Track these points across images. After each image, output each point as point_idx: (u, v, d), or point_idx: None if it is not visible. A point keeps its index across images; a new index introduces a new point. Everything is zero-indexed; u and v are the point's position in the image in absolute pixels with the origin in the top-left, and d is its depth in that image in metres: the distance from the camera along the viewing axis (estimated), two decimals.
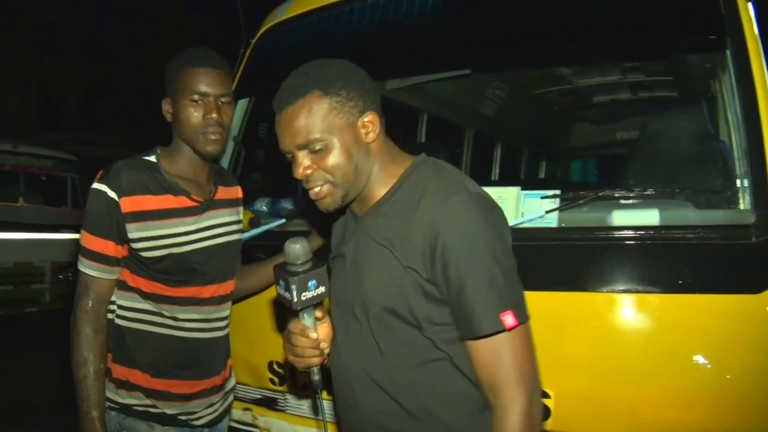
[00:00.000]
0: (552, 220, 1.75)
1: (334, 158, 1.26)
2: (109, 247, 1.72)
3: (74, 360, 1.69)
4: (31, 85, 17.36)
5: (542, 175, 5.40)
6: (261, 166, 3.14)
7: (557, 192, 1.79)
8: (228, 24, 2.93)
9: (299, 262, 1.29)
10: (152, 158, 1.81)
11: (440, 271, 1.19)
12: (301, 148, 1.27)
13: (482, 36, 2.21)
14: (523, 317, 1.19)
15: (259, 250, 2.20)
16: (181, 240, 1.76)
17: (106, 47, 18.73)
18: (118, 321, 1.78)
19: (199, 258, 1.80)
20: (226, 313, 1.93)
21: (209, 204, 1.86)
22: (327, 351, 1.41)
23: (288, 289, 1.28)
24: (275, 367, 2.12)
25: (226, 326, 1.94)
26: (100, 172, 1.76)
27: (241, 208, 2.04)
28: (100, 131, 18.68)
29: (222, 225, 1.89)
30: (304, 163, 1.27)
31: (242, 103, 2.77)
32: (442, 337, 1.24)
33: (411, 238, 1.22)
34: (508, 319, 1.16)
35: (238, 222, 1.99)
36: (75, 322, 1.70)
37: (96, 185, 1.73)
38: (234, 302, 2.05)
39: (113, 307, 1.78)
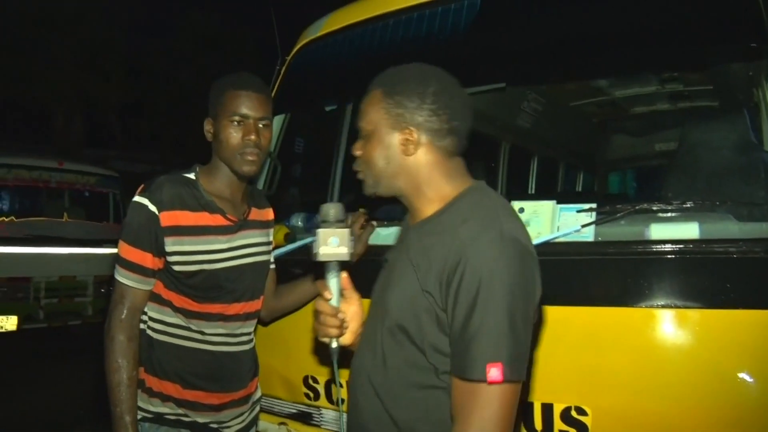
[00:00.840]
0: (588, 234, 1.72)
1: (370, 151, 1.35)
2: (147, 259, 1.76)
3: (108, 366, 1.72)
4: (76, 104, 17.93)
5: (579, 188, 5.33)
6: (297, 181, 3.18)
7: (593, 205, 1.76)
8: (263, 40, 2.97)
9: (328, 219, 1.36)
10: (191, 175, 1.86)
11: (451, 303, 1.17)
12: (359, 128, 1.39)
13: (517, 49, 2.20)
14: (511, 376, 1.11)
15: (294, 265, 2.22)
16: (214, 257, 1.81)
17: (147, 66, 19.28)
18: (149, 332, 1.83)
19: (229, 276, 1.84)
20: (251, 329, 1.97)
21: (242, 224, 1.90)
22: (347, 326, 1.41)
23: (343, 242, 1.34)
24: (311, 381, 2.14)
25: (251, 341, 1.98)
26: (142, 185, 1.81)
27: (272, 230, 2.09)
28: (141, 148, 19.20)
29: (253, 245, 1.93)
30: (357, 144, 1.39)
31: (278, 119, 2.82)
32: (444, 367, 1.22)
33: (435, 263, 1.22)
34: (494, 372, 1.10)
35: (268, 243, 2.03)
36: (109, 330, 1.75)
37: (137, 198, 1.78)
38: (272, 320, 2.10)
39: (145, 317, 1.83)
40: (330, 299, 1.38)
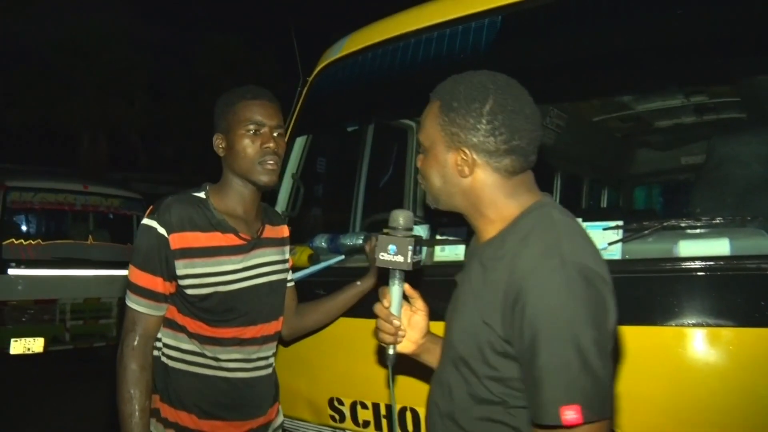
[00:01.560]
0: (615, 252, 1.71)
1: (426, 166, 1.32)
2: (158, 284, 1.72)
3: (120, 396, 1.68)
4: (100, 128, 18.32)
5: (605, 204, 5.28)
6: (320, 202, 3.20)
7: (620, 223, 1.75)
8: (283, 62, 3.02)
9: (396, 226, 1.35)
10: (201, 194, 1.82)
11: (517, 341, 1.11)
12: (418, 142, 1.36)
13: (539, 65, 2.21)
14: (591, 416, 1.03)
15: (318, 287, 2.23)
16: (227, 279, 1.76)
17: (169, 89, 19.69)
18: (164, 359, 1.79)
19: (244, 297, 1.79)
20: (269, 353, 1.91)
21: (256, 242, 1.85)
22: (403, 335, 1.39)
23: (402, 251, 1.31)
24: (336, 404, 2.13)
25: (269, 366, 1.92)
26: (150, 207, 1.78)
27: (287, 248, 2.02)
28: (163, 170, 19.50)
29: (268, 264, 1.88)
30: (419, 156, 1.35)
31: (300, 140, 2.85)
32: (514, 402, 1.17)
33: (495, 295, 1.16)
34: (570, 414, 1.03)
35: (284, 261, 1.97)
36: (121, 358, 1.70)
37: (146, 221, 1.75)
38: (294, 339, 2.08)
39: (159, 344, 1.79)
40: (388, 306, 1.37)
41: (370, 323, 1.58)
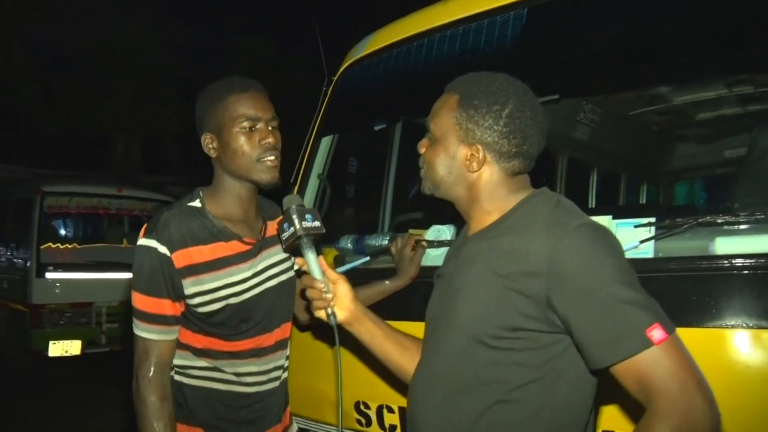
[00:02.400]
0: (648, 251, 1.66)
1: (432, 154, 1.38)
2: (166, 306, 1.63)
3: (142, 431, 1.61)
4: (134, 132, 18.71)
5: (642, 200, 5.16)
6: (346, 202, 3.20)
7: (652, 220, 1.70)
8: (315, 63, 3.02)
9: (296, 203, 1.50)
10: (196, 203, 1.72)
11: (564, 303, 1.18)
12: (427, 126, 1.40)
13: (572, 58, 2.16)
14: (670, 329, 1.14)
15: None
16: (238, 289, 1.69)
17: None
18: (177, 377, 1.73)
19: (258, 304, 1.73)
20: (283, 359, 1.86)
21: (262, 244, 1.78)
22: (330, 297, 1.47)
23: (291, 222, 1.47)
24: (362, 407, 2.13)
25: (284, 372, 1.88)
26: (145, 226, 1.69)
27: None
28: (196, 173, 19.79)
29: (276, 264, 1.81)
30: (423, 141, 1.42)
31: (326, 140, 2.85)
32: (521, 380, 1.23)
33: (524, 263, 1.21)
34: (656, 333, 1.12)
35: (289, 257, 1.86)
36: (139, 391, 1.62)
37: (144, 241, 1.64)
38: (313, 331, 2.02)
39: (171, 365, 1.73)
40: (314, 274, 1.47)
41: (399, 326, 1.58)
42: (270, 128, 1.72)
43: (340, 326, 1.49)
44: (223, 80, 1.76)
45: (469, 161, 1.33)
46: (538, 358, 1.23)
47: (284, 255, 1.84)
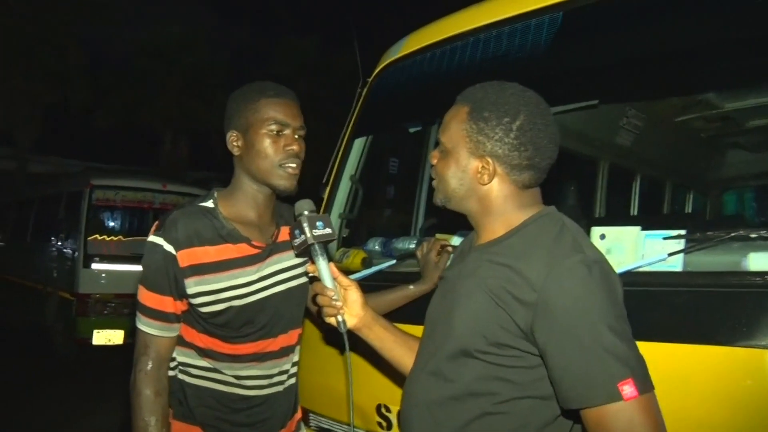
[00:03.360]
0: (676, 264, 1.61)
1: (443, 167, 1.37)
2: (167, 304, 1.66)
3: (135, 425, 1.62)
4: (181, 129, 19.14)
5: (689, 209, 5.01)
6: (379, 204, 3.21)
7: (682, 232, 1.65)
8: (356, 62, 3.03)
9: (308, 210, 1.52)
10: (209, 203, 1.74)
11: (545, 335, 1.16)
12: (438, 138, 1.40)
13: (614, 62, 2.11)
14: (645, 387, 1.11)
15: (370, 290, 2.22)
16: (242, 291, 1.69)
17: None
18: (180, 376, 1.75)
19: (262, 308, 1.73)
20: (289, 365, 1.85)
21: (272, 248, 1.77)
22: (340, 305, 1.48)
23: (301, 229, 1.48)
24: (383, 410, 2.12)
25: (290, 378, 1.86)
26: (156, 223, 1.71)
27: None
28: None
29: (286, 270, 1.80)
30: (435, 152, 1.41)
31: (359, 141, 2.86)
32: (507, 394, 1.24)
33: (514, 287, 1.21)
34: (627, 389, 1.09)
35: (303, 264, 1.84)
36: (135, 384, 1.64)
37: (152, 238, 1.66)
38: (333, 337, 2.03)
39: (174, 363, 1.74)
40: (325, 281, 1.48)
41: (417, 331, 1.57)
42: (296, 136, 1.73)
43: (350, 332, 1.50)
44: (259, 83, 1.78)
45: (480, 174, 1.32)
46: (527, 377, 1.23)
47: (296, 261, 1.83)
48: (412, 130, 2.98)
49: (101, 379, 6.93)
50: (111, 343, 7.70)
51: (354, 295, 1.50)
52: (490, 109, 1.29)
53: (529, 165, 1.30)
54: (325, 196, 2.79)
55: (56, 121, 18.72)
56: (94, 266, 7.80)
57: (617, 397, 1.09)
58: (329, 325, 2.06)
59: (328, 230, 1.50)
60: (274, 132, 1.70)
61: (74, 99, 17.24)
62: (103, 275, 7.87)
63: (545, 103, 1.33)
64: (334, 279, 1.50)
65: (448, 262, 2.06)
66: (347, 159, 2.82)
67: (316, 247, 1.48)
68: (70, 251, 8.15)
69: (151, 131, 19.30)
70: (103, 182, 8.46)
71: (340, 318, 1.48)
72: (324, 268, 1.49)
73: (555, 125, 1.32)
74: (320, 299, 1.49)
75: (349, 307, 1.49)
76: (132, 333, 5.84)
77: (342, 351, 2.18)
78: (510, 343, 1.22)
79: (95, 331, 7.65)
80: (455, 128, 1.34)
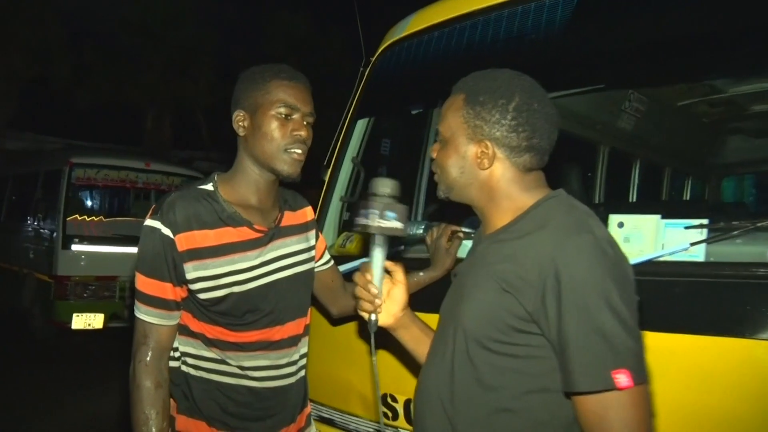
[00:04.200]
0: (698, 254, 1.60)
1: (443, 157, 1.38)
2: (167, 290, 1.63)
3: (134, 417, 1.59)
4: (165, 107, 18.93)
5: (687, 195, 5.03)
6: None
7: (704, 221, 1.64)
8: (352, 40, 2.98)
9: (385, 193, 1.38)
10: (209, 186, 1.72)
11: (551, 312, 1.16)
12: (437, 130, 1.42)
13: (621, 44, 2.10)
14: (639, 378, 1.11)
15: None
16: (243, 277, 1.67)
17: (235, 69, 20.08)
18: (184, 368, 1.71)
19: (265, 295, 1.70)
20: (298, 355, 1.83)
21: (275, 233, 1.75)
22: (380, 304, 1.42)
23: (368, 214, 1.35)
24: (389, 400, 2.12)
25: (299, 369, 1.84)
26: (153, 207, 1.68)
27: (312, 232, 1.91)
28: (226, 149, 19.97)
29: (290, 255, 1.78)
30: (435, 146, 1.43)
31: (361, 123, 2.83)
32: (522, 387, 1.23)
33: (521, 267, 1.21)
34: (622, 378, 1.09)
35: (309, 249, 1.86)
36: (134, 375, 1.61)
37: (149, 222, 1.64)
38: (342, 321, 2.00)
39: (177, 353, 1.71)
40: (371, 278, 1.41)
41: (430, 318, 1.56)
42: (305, 123, 1.72)
43: (380, 330, 1.45)
44: (272, 65, 1.76)
45: (480, 158, 1.33)
46: (539, 367, 1.22)
47: (302, 245, 1.82)
48: (415, 112, 2.95)
49: (82, 365, 6.90)
50: (91, 328, 7.64)
51: (400, 293, 1.46)
52: (485, 93, 1.32)
53: (528, 146, 1.31)
54: (326, 179, 2.76)
55: (35, 97, 18.42)
56: (74, 248, 7.71)
57: (611, 384, 1.10)
58: (338, 315, 2.04)
59: (398, 224, 1.37)
60: (283, 115, 1.68)
61: (54, 75, 16.96)
62: (83, 257, 7.79)
63: (539, 86, 1.35)
64: (391, 272, 1.45)
65: (461, 250, 2.04)
66: (349, 140, 2.79)
67: (377, 237, 1.39)
68: (48, 232, 8.05)
69: (134, 109, 19.07)
70: (84, 160, 8.32)
71: (374, 317, 1.43)
72: (378, 264, 1.41)
73: (552, 107, 1.34)
74: (359, 291, 1.42)
75: (390, 305, 1.46)
76: (112, 317, 5.77)
77: (357, 333, 2.16)
78: (520, 327, 1.21)
79: (74, 315, 7.58)
80: (452, 117, 1.37)
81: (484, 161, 1.33)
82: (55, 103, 19.07)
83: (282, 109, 1.68)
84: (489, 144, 1.32)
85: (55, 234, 7.80)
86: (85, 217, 8.43)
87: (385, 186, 1.39)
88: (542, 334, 1.20)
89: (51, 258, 7.72)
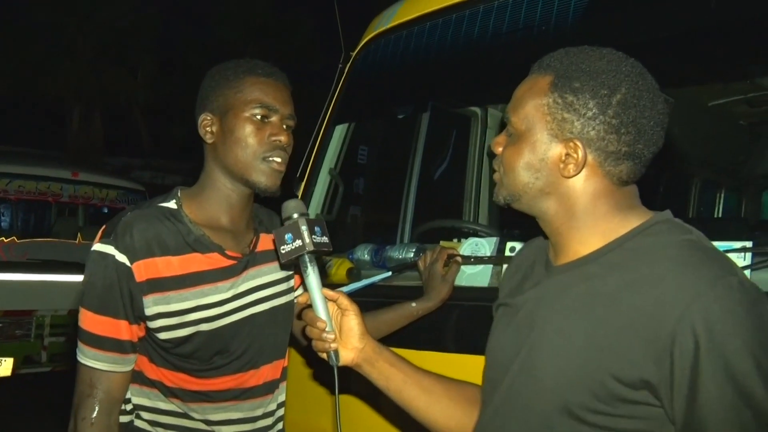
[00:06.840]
0: None
1: (515, 156, 1.27)
2: (122, 329, 1.60)
3: None
4: (95, 102, 18.71)
5: (720, 212, 5.10)
6: (363, 203, 3.20)
7: (747, 244, 1.67)
8: (322, 27, 3.02)
9: (301, 212, 1.44)
10: (171, 204, 1.70)
11: (681, 380, 1.06)
12: (507, 119, 1.31)
13: (640, 38, 2.15)
14: None
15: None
16: (213, 312, 1.64)
17: (182, 59, 19.97)
18: (138, 424, 1.69)
19: (238, 333, 1.69)
20: (274, 406, 1.81)
21: (249, 259, 1.74)
22: (332, 338, 1.40)
23: (297, 234, 1.40)
24: None
25: (276, 423, 1.83)
26: (103, 227, 1.66)
27: None
28: (171, 157, 19.82)
29: (266, 285, 1.77)
30: (499, 138, 1.33)
31: (340, 129, 2.86)
32: None
33: (632, 318, 1.11)
34: None
35: (288, 278, 1.84)
36: None
37: (99, 246, 1.61)
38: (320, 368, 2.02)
39: (129, 406, 1.68)
40: (316, 307, 1.41)
41: (432, 357, 1.57)
42: (285, 126, 1.71)
43: (344, 368, 1.44)
44: (244, 60, 1.75)
45: (564, 163, 1.22)
46: None
47: (280, 275, 1.81)
48: (401, 116, 3.00)
49: None
50: None
51: (352, 321, 1.43)
52: (581, 78, 1.19)
53: (629, 153, 1.20)
54: (299, 194, 2.78)
55: None
56: None
57: None
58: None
59: (325, 239, 1.42)
60: (259, 117, 1.67)
61: None
62: None
63: (651, 76, 1.23)
64: (328, 300, 1.43)
65: (458, 277, 2.08)
66: (326, 149, 2.82)
67: (308, 259, 1.40)
68: None
69: (56, 105, 18.88)
70: None
71: (332, 353, 1.41)
72: (315, 288, 1.41)
73: (663, 104, 1.22)
74: (309, 330, 1.42)
75: (345, 338, 1.43)
76: (24, 361, 5.57)
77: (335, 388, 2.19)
78: (625, 396, 1.11)
79: None
80: (532, 104, 1.24)
81: (570, 167, 1.21)
82: None
83: (258, 111, 1.66)
84: (579, 145, 1.20)
85: None
86: None
87: (297, 206, 1.45)
88: (658, 406, 1.10)
89: None
